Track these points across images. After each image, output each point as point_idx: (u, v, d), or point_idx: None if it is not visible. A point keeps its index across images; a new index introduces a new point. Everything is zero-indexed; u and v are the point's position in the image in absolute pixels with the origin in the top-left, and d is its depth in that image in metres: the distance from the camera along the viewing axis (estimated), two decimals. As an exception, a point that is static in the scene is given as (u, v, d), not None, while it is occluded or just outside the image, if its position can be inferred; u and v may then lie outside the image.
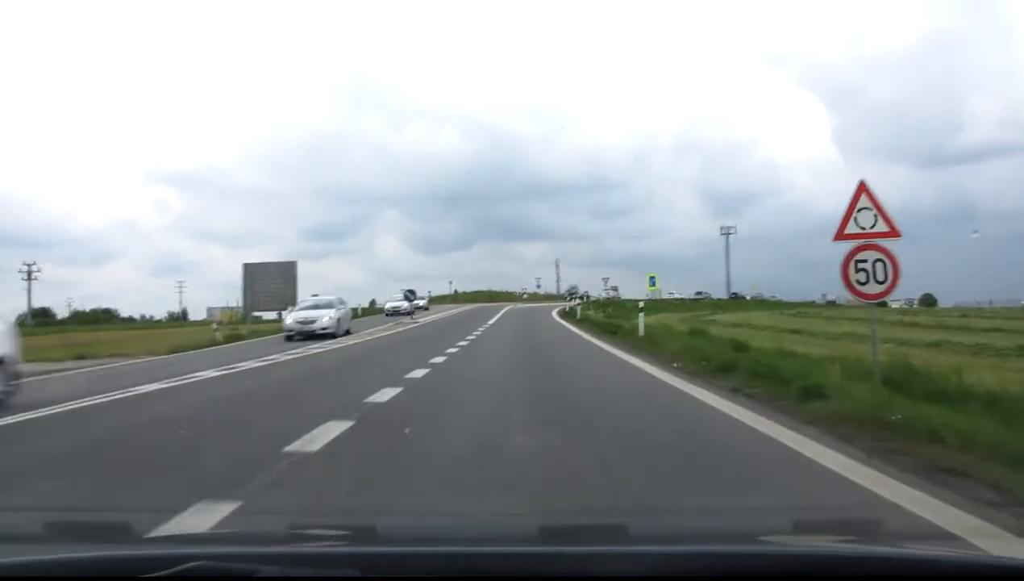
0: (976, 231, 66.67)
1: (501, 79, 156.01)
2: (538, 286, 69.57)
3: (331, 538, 2.38)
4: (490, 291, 78.39)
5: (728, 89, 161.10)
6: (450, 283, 79.96)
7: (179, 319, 62.75)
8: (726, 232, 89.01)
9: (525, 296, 65.50)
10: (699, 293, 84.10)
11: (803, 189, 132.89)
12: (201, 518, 3.50)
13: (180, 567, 1.46)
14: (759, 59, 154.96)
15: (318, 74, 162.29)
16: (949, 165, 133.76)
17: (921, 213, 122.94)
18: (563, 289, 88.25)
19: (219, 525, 3.40)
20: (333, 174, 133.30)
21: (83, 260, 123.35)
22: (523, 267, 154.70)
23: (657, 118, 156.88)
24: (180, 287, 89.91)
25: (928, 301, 77.07)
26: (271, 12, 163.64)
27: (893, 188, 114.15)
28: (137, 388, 10.32)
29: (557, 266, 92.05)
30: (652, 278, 38.71)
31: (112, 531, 2.62)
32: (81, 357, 19.21)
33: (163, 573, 1.45)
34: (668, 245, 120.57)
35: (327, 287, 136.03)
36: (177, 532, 3.18)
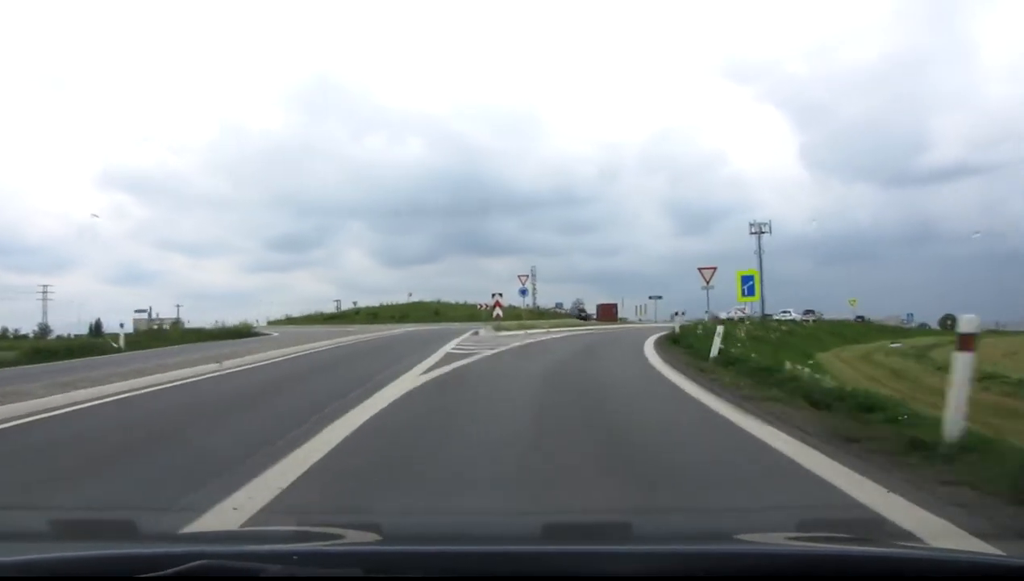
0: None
1: (467, 89, 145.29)
2: (523, 292, 38.92)
3: (336, 537, 2.27)
4: (439, 303, 54.44)
5: (694, 105, 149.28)
6: (409, 295, 59.44)
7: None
8: (758, 230, 72.93)
9: (498, 313, 35.31)
10: (808, 311, 63.90)
11: (770, 206, 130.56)
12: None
13: (185, 566, 1.48)
14: (724, 75, 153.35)
15: (278, 78, 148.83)
16: (914, 185, 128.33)
17: (887, 232, 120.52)
18: (543, 303, 75.52)
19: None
20: (296, 183, 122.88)
21: (39, 267, 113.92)
22: (491, 282, 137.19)
23: (625, 133, 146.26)
24: (44, 293, 64.62)
25: (952, 322, 70.60)
26: (228, 13, 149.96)
27: (859, 207, 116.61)
28: None
29: (533, 276, 78.74)
30: (749, 280, 25.47)
31: (116, 529, 2.71)
32: None
33: (168, 572, 1.47)
34: (636, 261, 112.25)
35: (293, 299, 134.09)
36: None
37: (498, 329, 32.43)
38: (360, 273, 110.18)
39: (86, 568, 1.60)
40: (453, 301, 53.18)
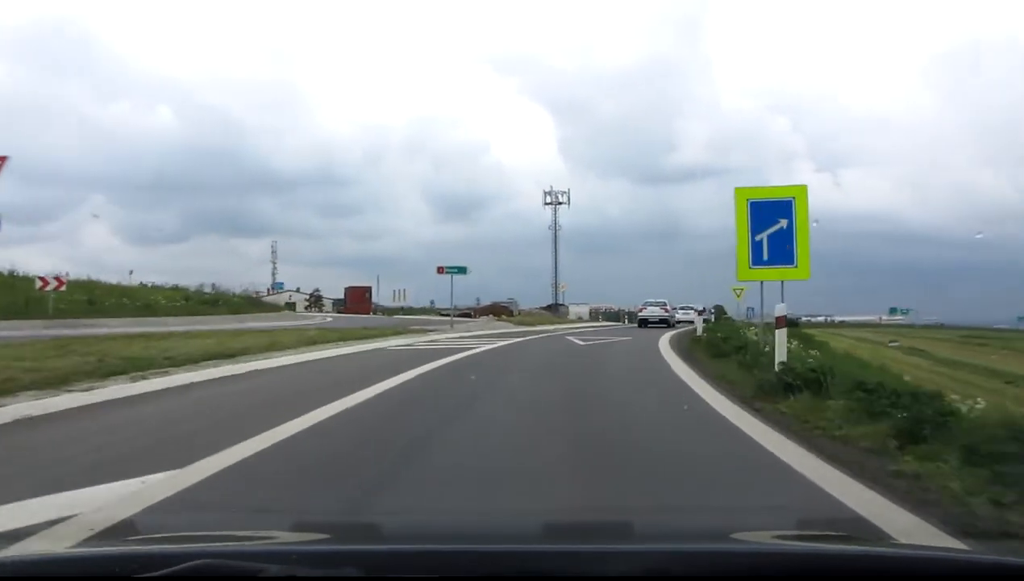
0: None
1: (224, 58, 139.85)
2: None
3: (335, 537, 2.28)
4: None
5: (459, 92, 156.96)
6: (131, 273, 38.94)
7: None
8: (554, 201, 57.09)
9: None
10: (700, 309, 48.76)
11: (530, 197, 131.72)
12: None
13: (184, 565, 1.44)
14: (489, 65, 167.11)
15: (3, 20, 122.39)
16: (663, 183, 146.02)
17: (637, 227, 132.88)
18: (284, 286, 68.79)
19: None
20: (28, 147, 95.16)
21: None
22: (248, 265, 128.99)
23: (390, 117, 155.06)
24: None
25: (721, 312, 67.42)
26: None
27: (612, 202, 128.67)
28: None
29: (273, 252, 73.04)
30: (781, 215, 8.85)
31: (115, 529, 2.72)
32: None
33: (167, 571, 1.43)
34: (397, 246, 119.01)
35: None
36: None
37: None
38: (103, 251, 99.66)
39: (86, 568, 1.58)
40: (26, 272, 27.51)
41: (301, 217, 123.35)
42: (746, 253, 8.04)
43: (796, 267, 7.94)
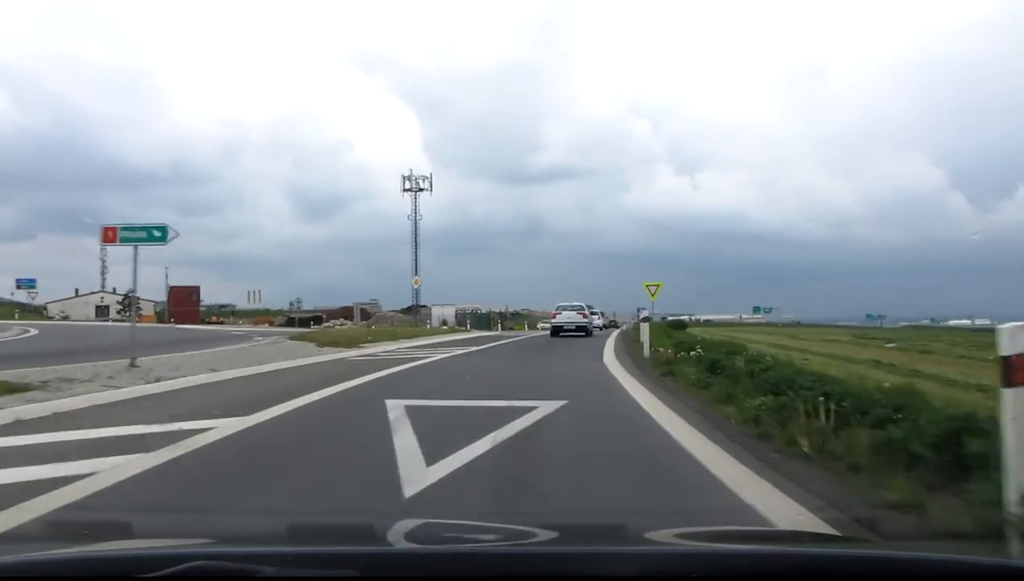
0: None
1: (64, 39, 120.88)
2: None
3: (331, 538, 2.35)
4: None
5: (322, 89, 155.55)
6: None
7: None
8: (414, 187, 52.07)
9: None
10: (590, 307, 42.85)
11: (395, 197, 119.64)
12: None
13: (181, 566, 1.47)
14: (354, 63, 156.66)
15: None
16: (526, 183, 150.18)
17: (501, 226, 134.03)
18: (119, 288, 63.67)
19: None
20: None
21: None
22: (98, 264, 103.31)
23: (248, 112, 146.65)
24: None
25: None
26: None
27: (476, 201, 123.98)
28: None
29: (103, 250, 69.59)
30: None
31: (113, 530, 2.81)
32: None
33: (164, 572, 1.46)
34: (257, 246, 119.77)
35: None
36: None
37: None
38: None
39: (84, 568, 1.60)
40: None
41: (156, 214, 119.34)
42: None
43: None
